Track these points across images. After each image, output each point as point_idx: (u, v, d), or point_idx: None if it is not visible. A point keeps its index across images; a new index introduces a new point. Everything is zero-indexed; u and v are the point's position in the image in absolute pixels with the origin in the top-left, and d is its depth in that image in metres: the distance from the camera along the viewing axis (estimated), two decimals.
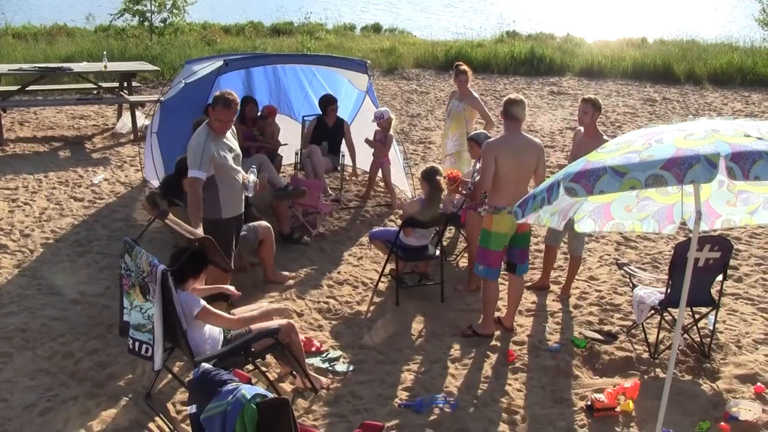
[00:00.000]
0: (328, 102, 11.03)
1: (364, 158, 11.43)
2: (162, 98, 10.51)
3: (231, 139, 7.07)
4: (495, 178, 6.89)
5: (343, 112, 11.47)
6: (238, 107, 7.09)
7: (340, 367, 6.65)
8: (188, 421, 5.29)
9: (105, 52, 16.43)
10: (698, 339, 7.02)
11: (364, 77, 11.06)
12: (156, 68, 16.99)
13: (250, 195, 7.27)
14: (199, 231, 6.05)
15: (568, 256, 8.37)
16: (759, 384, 6.41)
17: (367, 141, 11.02)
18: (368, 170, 11.45)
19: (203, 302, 5.64)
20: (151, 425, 5.72)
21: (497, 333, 7.31)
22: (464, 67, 10.44)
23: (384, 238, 8.26)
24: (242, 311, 6.18)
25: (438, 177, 8.06)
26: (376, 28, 32.76)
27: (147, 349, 5.54)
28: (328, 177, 11.38)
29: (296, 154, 11.41)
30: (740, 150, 4.05)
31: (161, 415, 5.82)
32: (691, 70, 22.48)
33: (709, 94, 20.66)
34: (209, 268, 6.07)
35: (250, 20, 30.69)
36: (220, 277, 6.75)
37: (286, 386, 6.29)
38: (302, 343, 6.28)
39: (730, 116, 13.52)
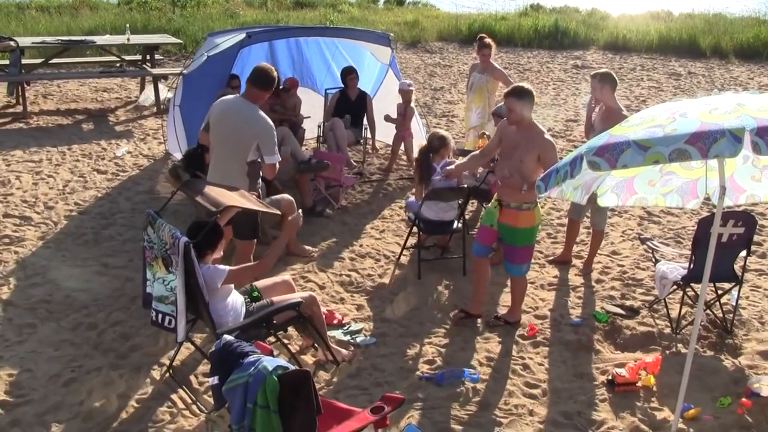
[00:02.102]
0: (347, 72, 11.04)
1: (387, 131, 11.41)
2: (185, 71, 10.51)
3: None
4: (538, 168, 6.44)
5: (365, 86, 11.45)
6: None
7: (362, 339, 6.67)
8: (210, 393, 5.34)
9: (128, 25, 16.43)
10: (721, 315, 6.98)
11: (387, 50, 11.03)
12: (179, 41, 17.04)
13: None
14: (224, 200, 5.96)
15: (591, 231, 8.34)
16: None
17: (386, 117, 11.01)
18: (390, 143, 11.44)
19: (226, 267, 5.67)
20: (174, 396, 5.77)
21: None
22: (488, 40, 10.31)
23: (413, 210, 8.24)
24: (264, 284, 6.21)
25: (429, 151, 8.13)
26: (400, 1, 32.58)
27: (170, 321, 5.57)
28: (350, 150, 11.38)
29: (319, 127, 11.40)
30: (766, 124, 4.01)
31: (183, 386, 5.87)
32: (717, 44, 22.22)
33: (735, 69, 20.43)
34: (233, 242, 6.14)
35: None
36: (245, 249, 6.80)
37: (308, 358, 6.32)
38: (324, 316, 6.29)
39: (757, 90, 13.38)
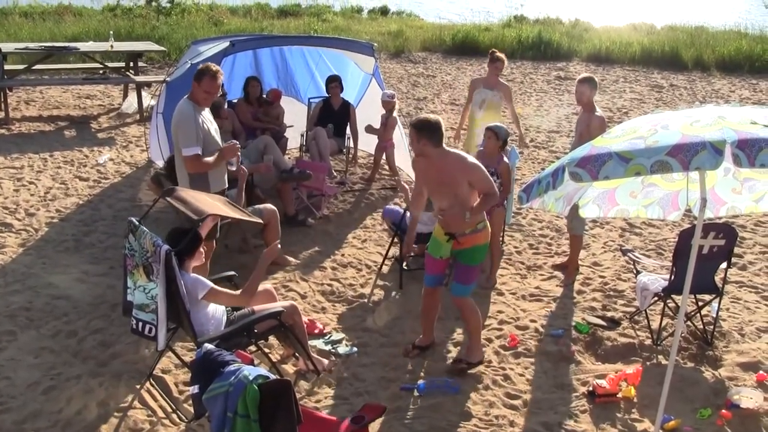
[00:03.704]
0: (330, 81, 11.07)
1: (370, 141, 11.41)
2: (168, 78, 10.49)
3: (208, 112, 7.09)
4: (472, 192, 6.14)
5: (349, 95, 11.46)
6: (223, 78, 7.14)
7: (343, 349, 6.66)
8: (191, 401, 5.31)
9: (111, 32, 16.40)
10: (701, 326, 7.01)
11: (371, 60, 11.04)
12: (162, 48, 17.03)
13: (233, 169, 7.31)
14: (206, 209, 5.94)
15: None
16: (761, 372, 6.40)
17: (367, 128, 11.01)
18: (372, 153, 11.44)
19: (210, 284, 5.65)
20: (154, 405, 5.74)
21: (500, 317, 7.31)
22: (500, 54, 10.03)
23: (394, 219, 8.22)
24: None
25: None
26: (384, 11, 32.62)
27: (150, 330, 5.55)
28: (333, 159, 11.38)
29: (302, 136, 11.40)
30: (747, 137, 4.04)
31: (164, 394, 5.85)
32: (699, 56, 22.36)
33: (717, 81, 20.57)
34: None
35: (257, 1, 30.60)
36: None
37: (289, 368, 6.31)
38: (305, 325, 6.28)
39: (738, 103, 13.48)
